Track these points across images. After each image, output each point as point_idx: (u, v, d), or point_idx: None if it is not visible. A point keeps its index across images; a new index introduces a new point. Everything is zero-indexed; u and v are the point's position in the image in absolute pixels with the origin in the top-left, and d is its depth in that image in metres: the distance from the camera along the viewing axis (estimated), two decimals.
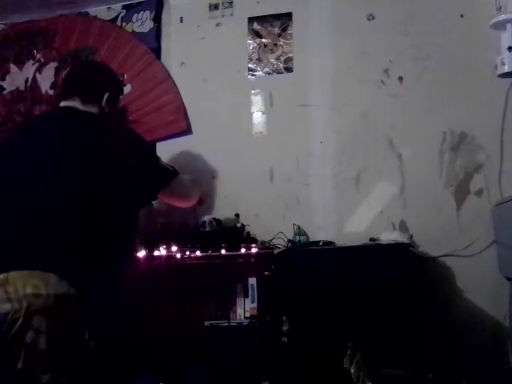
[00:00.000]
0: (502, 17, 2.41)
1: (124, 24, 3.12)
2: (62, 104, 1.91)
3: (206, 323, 2.57)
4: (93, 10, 3.19)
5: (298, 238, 2.55)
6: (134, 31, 3.09)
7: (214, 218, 2.59)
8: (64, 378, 1.51)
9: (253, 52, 2.92)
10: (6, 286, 1.49)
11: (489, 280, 2.47)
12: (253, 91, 2.90)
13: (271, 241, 2.63)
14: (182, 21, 3.04)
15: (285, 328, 2.29)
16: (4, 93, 3.23)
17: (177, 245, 2.50)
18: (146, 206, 2.06)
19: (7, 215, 1.63)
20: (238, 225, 2.61)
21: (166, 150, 2.72)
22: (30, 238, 1.58)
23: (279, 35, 2.88)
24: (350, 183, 2.71)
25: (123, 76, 2.97)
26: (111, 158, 1.72)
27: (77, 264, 1.59)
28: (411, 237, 2.46)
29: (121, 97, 2.15)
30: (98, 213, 1.67)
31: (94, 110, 1.89)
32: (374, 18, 2.76)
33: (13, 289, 1.49)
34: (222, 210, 2.79)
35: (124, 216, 1.80)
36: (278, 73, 2.87)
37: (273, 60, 2.88)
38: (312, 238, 2.60)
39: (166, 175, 1.97)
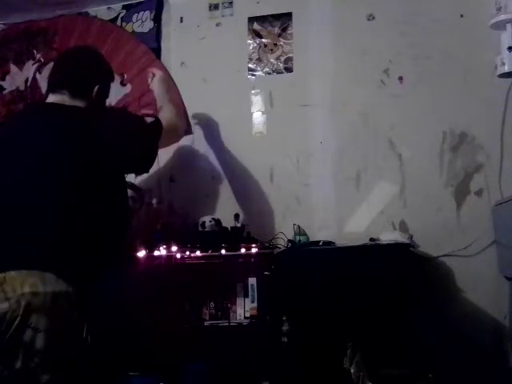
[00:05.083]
0: (502, 17, 2.41)
1: (124, 24, 3.12)
2: (50, 99, 1.86)
3: (206, 323, 2.58)
4: (93, 10, 3.19)
5: (298, 237, 2.55)
6: (134, 31, 3.09)
7: (213, 218, 2.59)
8: (64, 378, 1.51)
9: (253, 52, 2.92)
10: (4, 286, 1.49)
11: (489, 280, 2.47)
12: (253, 91, 2.90)
13: (271, 241, 2.63)
14: (181, 21, 3.05)
15: (285, 328, 2.29)
16: (4, 93, 3.23)
17: (177, 245, 2.50)
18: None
19: (4, 215, 1.63)
20: (238, 225, 2.61)
21: (166, 150, 2.72)
22: (27, 237, 1.58)
23: (279, 35, 2.88)
24: (350, 183, 2.71)
25: (123, 76, 2.97)
26: (101, 153, 1.71)
27: (75, 263, 1.59)
28: (411, 237, 2.46)
29: (111, 84, 2.07)
30: (94, 212, 1.67)
31: (82, 103, 1.84)
32: (373, 18, 2.76)
33: (11, 288, 1.48)
34: (222, 210, 2.79)
35: (120, 215, 1.80)
36: (278, 73, 2.87)
37: (273, 60, 2.88)
38: (312, 238, 2.60)
39: (154, 135, 1.96)
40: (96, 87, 1.90)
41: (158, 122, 2.01)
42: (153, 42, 3.04)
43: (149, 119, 2.02)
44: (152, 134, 1.95)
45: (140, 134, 1.89)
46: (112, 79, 2.07)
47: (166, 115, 2.16)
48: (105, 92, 1.98)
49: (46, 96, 1.89)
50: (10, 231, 1.60)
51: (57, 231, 1.60)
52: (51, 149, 1.68)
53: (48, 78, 1.95)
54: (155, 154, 1.95)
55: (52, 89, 1.88)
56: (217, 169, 2.86)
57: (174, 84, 2.75)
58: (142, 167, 1.95)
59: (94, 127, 1.76)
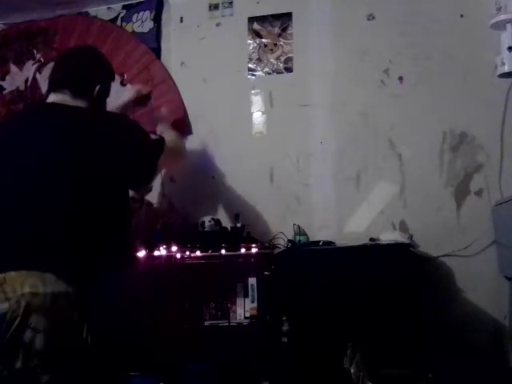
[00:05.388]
0: (502, 17, 2.41)
1: (124, 24, 3.12)
2: (51, 98, 1.86)
3: (206, 323, 2.58)
4: (93, 10, 3.19)
5: (298, 237, 2.55)
6: (134, 31, 3.09)
7: (213, 218, 2.59)
8: (64, 378, 1.51)
9: (253, 52, 2.92)
10: (4, 286, 1.49)
11: (489, 280, 2.47)
12: (253, 91, 2.90)
13: (271, 241, 2.63)
14: (181, 21, 3.05)
15: (285, 328, 2.29)
16: (4, 93, 3.23)
17: (177, 245, 2.50)
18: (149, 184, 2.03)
19: (4, 215, 1.63)
20: (238, 225, 2.61)
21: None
22: (27, 237, 1.58)
23: (279, 35, 2.88)
24: (350, 183, 2.71)
25: (123, 76, 2.97)
26: (103, 155, 1.71)
27: (75, 263, 1.59)
28: (411, 237, 2.46)
29: (112, 83, 2.08)
30: (94, 212, 1.67)
31: (83, 103, 1.85)
32: (373, 17, 2.76)
33: (11, 288, 1.48)
34: (222, 210, 2.79)
35: (120, 215, 1.80)
36: (278, 73, 2.87)
37: (273, 60, 2.88)
38: (312, 238, 2.60)
39: (156, 151, 1.96)
40: (97, 87, 1.90)
41: (161, 140, 2.02)
42: (153, 42, 3.04)
43: (153, 136, 2.03)
44: (154, 149, 1.94)
45: (142, 142, 1.89)
46: (113, 79, 2.08)
47: (168, 138, 2.18)
48: (105, 92, 1.99)
49: (47, 95, 1.90)
50: (10, 231, 1.60)
51: (57, 231, 1.60)
52: (51, 149, 1.68)
53: (49, 78, 1.95)
54: (154, 170, 1.95)
55: (53, 88, 1.88)
56: (217, 169, 2.86)
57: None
58: (140, 178, 1.93)
59: (94, 127, 1.76)
